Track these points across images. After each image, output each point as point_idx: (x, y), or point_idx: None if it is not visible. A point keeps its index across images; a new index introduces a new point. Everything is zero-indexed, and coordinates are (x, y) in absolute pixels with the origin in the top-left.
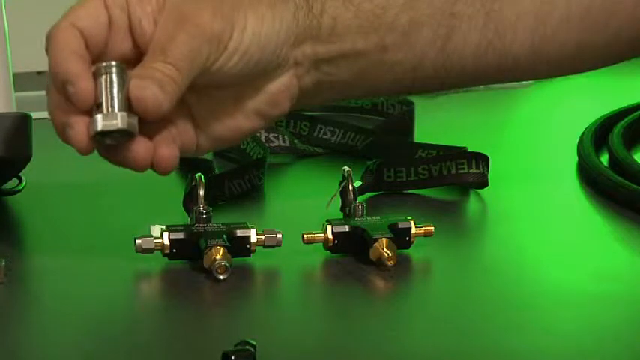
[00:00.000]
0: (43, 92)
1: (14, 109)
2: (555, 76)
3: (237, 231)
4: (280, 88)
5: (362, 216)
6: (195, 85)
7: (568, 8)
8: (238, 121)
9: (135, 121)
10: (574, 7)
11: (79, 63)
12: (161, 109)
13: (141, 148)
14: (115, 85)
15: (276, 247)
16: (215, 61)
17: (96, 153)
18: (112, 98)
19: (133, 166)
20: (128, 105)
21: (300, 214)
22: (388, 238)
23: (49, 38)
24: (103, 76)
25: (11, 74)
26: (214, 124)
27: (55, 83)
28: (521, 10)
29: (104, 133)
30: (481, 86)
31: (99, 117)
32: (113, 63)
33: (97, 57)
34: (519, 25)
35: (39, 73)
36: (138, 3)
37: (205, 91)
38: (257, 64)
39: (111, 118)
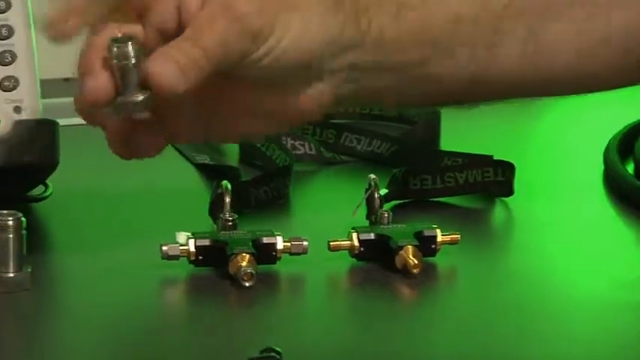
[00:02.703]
0: (70, 99)
1: (41, 116)
2: (605, 90)
3: (263, 238)
4: (309, 96)
5: (388, 223)
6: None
7: (608, 26)
8: (242, 122)
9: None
10: (614, 25)
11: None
12: (175, 90)
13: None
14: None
15: (302, 255)
16: (247, 56)
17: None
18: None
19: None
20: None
21: (326, 221)
22: (414, 245)
23: None
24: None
25: (38, 81)
26: (218, 120)
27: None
28: (562, 28)
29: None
30: None
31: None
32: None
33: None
34: (561, 42)
35: (65, 80)
36: None
37: (224, 83)
38: (290, 69)
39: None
